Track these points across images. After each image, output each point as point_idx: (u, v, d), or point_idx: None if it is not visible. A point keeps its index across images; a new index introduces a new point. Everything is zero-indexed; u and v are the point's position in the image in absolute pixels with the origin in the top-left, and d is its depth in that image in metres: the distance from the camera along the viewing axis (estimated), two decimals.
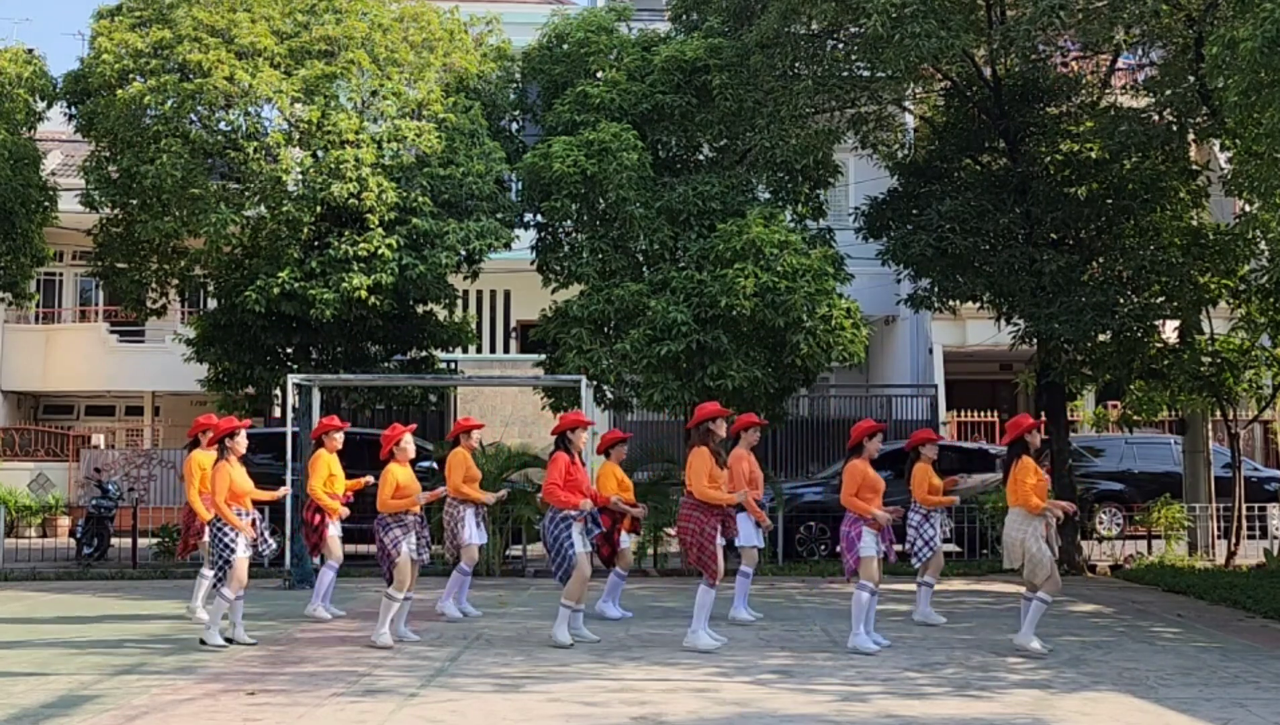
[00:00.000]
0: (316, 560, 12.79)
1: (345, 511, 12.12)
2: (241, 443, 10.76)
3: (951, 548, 17.18)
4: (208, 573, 11.32)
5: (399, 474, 10.39)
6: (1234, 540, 17.63)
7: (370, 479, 11.71)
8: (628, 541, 11.75)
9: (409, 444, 10.68)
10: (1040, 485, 10.12)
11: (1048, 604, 10.15)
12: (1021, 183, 17.32)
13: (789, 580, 16.15)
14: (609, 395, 17.91)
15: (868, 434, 10.32)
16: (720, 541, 10.34)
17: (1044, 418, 16.59)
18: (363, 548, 16.63)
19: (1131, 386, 18.21)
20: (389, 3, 17.75)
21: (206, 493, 11.26)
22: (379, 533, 10.29)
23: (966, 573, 16.82)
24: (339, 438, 12.08)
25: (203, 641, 10.37)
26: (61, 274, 28.74)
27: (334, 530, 12.00)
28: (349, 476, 12.41)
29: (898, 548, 10.79)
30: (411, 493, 10.38)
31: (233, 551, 10.37)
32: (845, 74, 17.19)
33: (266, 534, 11.21)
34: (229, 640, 10.47)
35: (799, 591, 14.77)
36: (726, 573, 11.56)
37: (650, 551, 16.92)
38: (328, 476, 11.95)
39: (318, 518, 11.87)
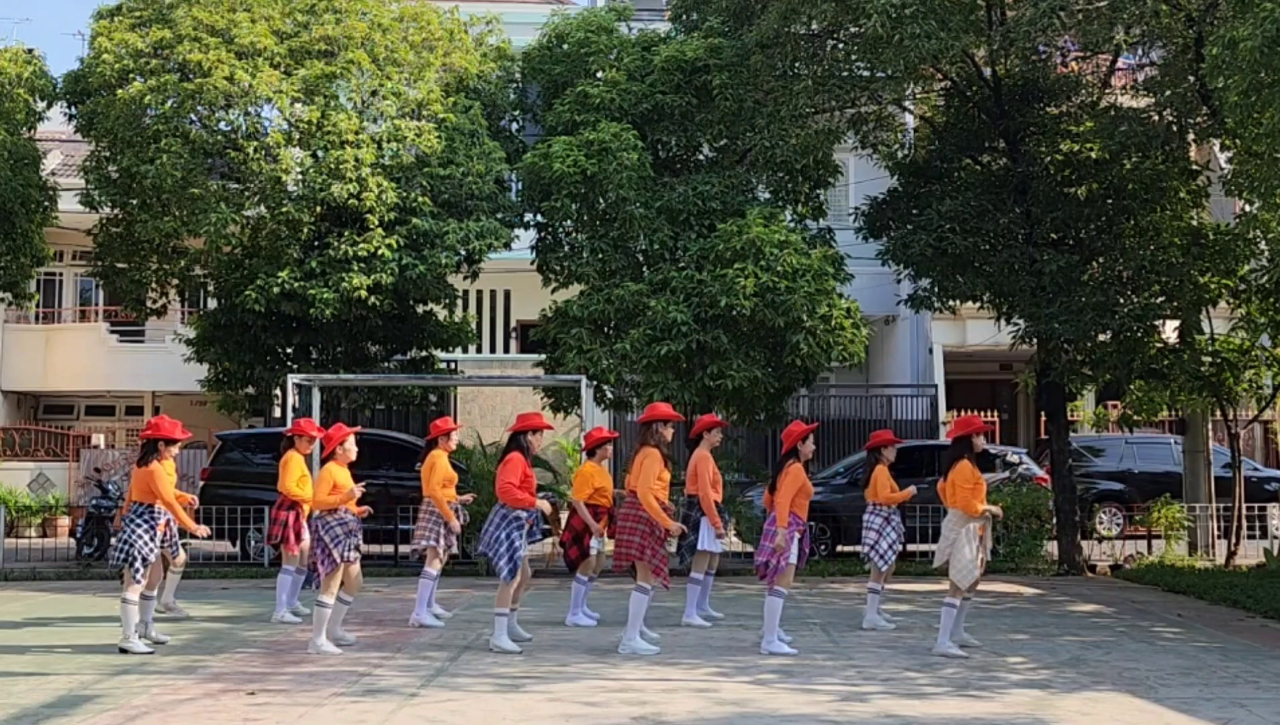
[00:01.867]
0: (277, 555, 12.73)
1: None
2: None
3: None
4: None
5: (337, 473, 10.20)
6: (1234, 540, 17.62)
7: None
8: (597, 546, 11.52)
9: (351, 446, 10.47)
10: (979, 488, 9.98)
11: (956, 609, 10.08)
12: (1021, 183, 17.31)
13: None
14: (609, 395, 17.90)
15: (800, 437, 10.17)
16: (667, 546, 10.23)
17: (1044, 417, 16.58)
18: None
19: (1131, 386, 18.20)
20: (389, 3, 17.77)
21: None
22: (319, 531, 10.06)
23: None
24: (308, 442, 11.83)
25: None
26: (61, 274, 28.72)
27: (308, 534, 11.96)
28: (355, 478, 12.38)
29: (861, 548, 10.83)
30: (347, 492, 10.16)
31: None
32: (845, 74, 17.19)
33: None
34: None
35: (799, 591, 14.76)
36: (675, 573, 11.58)
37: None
38: (300, 477, 11.81)
39: (292, 516, 11.77)
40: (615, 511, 10.99)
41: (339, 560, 9.93)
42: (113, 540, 10.91)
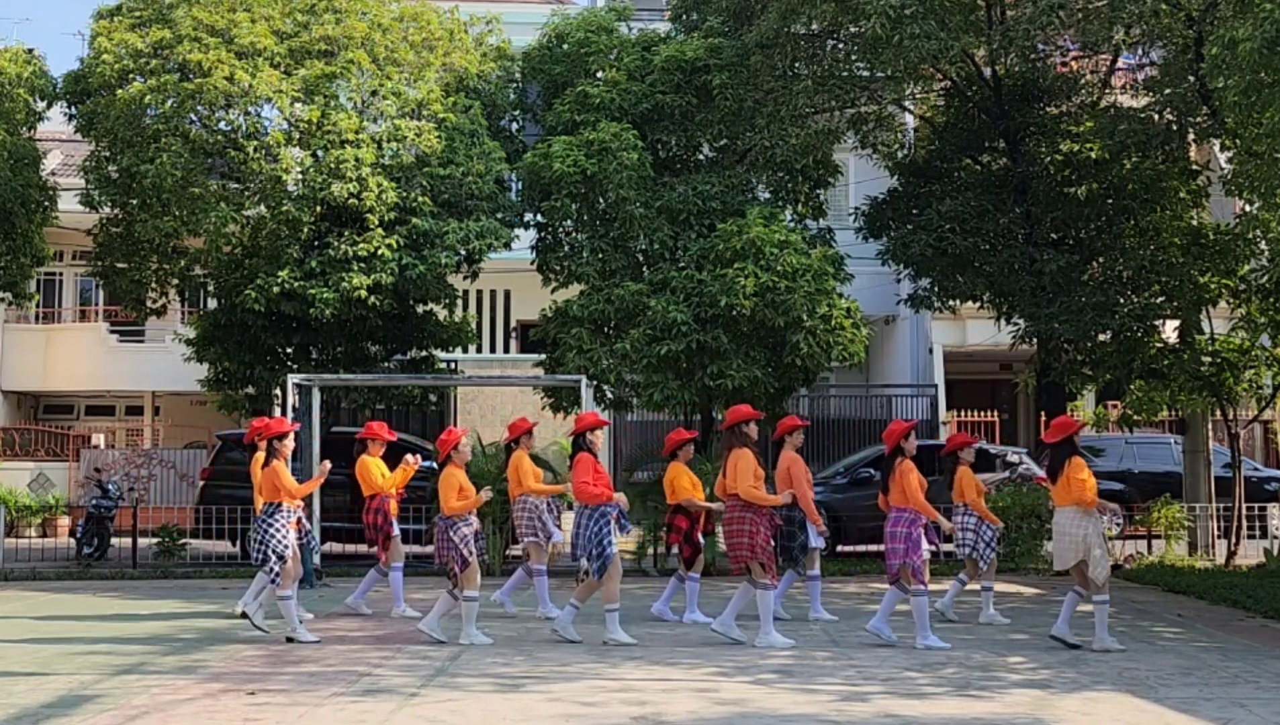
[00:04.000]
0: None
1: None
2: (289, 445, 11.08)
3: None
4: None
5: (461, 477, 10.55)
6: (1234, 540, 17.61)
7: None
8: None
9: (289, 442, 10.91)
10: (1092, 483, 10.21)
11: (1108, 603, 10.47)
12: (1021, 183, 17.32)
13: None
14: (609, 395, 17.91)
15: (903, 435, 10.57)
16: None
17: (1044, 417, 16.59)
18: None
19: (1131, 386, 18.20)
20: (389, 3, 17.75)
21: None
22: (448, 533, 10.35)
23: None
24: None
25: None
26: (61, 274, 28.72)
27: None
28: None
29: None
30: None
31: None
32: (845, 74, 17.20)
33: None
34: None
35: (799, 591, 14.72)
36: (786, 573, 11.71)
37: (650, 552, 16.91)
38: (383, 475, 12.36)
39: (381, 517, 12.21)
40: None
41: (470, 559, 10.30)
42: (251, 542, 11.11)
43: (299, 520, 10.96)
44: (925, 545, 10.32)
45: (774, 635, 10.25)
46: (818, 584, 12.08)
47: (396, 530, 12.32)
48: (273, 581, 10.65)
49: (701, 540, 11.71)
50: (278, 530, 10.59)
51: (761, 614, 10.28)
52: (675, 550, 12.26)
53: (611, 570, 10.27)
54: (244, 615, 11.36)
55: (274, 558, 10.54)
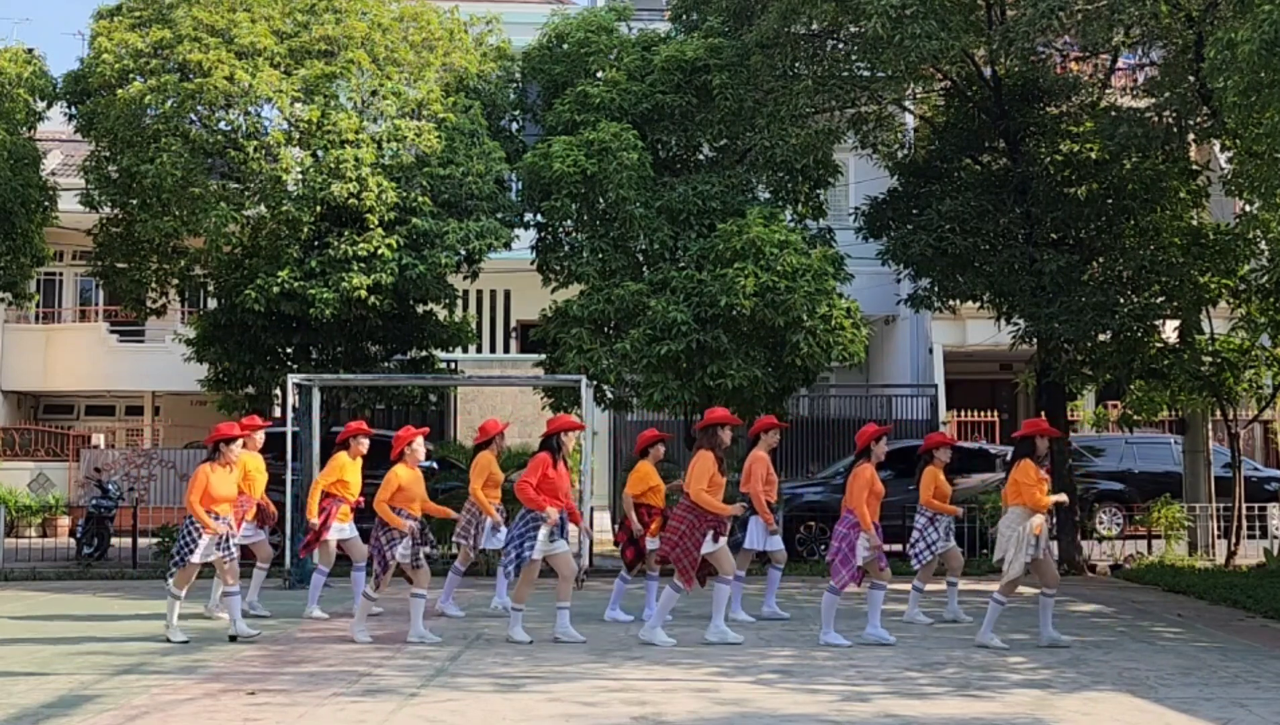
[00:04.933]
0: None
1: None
2: (236, 449, 11.10)
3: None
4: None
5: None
6: (1234, 540, 17.63)
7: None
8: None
9: (235, 448, 11.01)
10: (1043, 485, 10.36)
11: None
12: (1021, 183, 17.32)
13: (790, 580, 16.07)
14: (609, 395, 17.91)
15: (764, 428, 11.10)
16: (712, 545, 10.38)
17: (1044, 417, 16.58)
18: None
19: (1131, 386, 18.21)
20: (389, 3, 17.75)
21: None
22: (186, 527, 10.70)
23: (966, 573, 16.78)
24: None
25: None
26: (61, 274, 28.72)
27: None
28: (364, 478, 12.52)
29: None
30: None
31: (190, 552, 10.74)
32: (845, 74, 17.20)
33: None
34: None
35: (799, 591, 14.76)
36: (753, 571, 11.70)
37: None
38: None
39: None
40: (669, 512, 11.17)
41: (389, 562, 10.54)
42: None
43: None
44: (862, 552, 10.34)
45: (659, 632, 10.46)
46: (740, 586, 11.85)
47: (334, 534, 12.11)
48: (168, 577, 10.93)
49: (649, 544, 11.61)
50: (186, 533, 10.72)
51: (659, 609, 10.54)
52: (618, 548, 12.25)
53: (526, 574, 10.38)
54: (243, 616, 11.37)
55: (174, 559, 10.84)
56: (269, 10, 16.70)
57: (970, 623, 11.69)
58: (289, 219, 16.13)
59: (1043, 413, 17.37)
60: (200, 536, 10.64)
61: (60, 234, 21.85)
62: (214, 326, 18.09)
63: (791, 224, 17.58)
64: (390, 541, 10.41)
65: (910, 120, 20.69)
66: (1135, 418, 18.70)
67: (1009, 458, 11.00)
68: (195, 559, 10.69)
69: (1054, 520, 12.31)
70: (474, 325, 23.22)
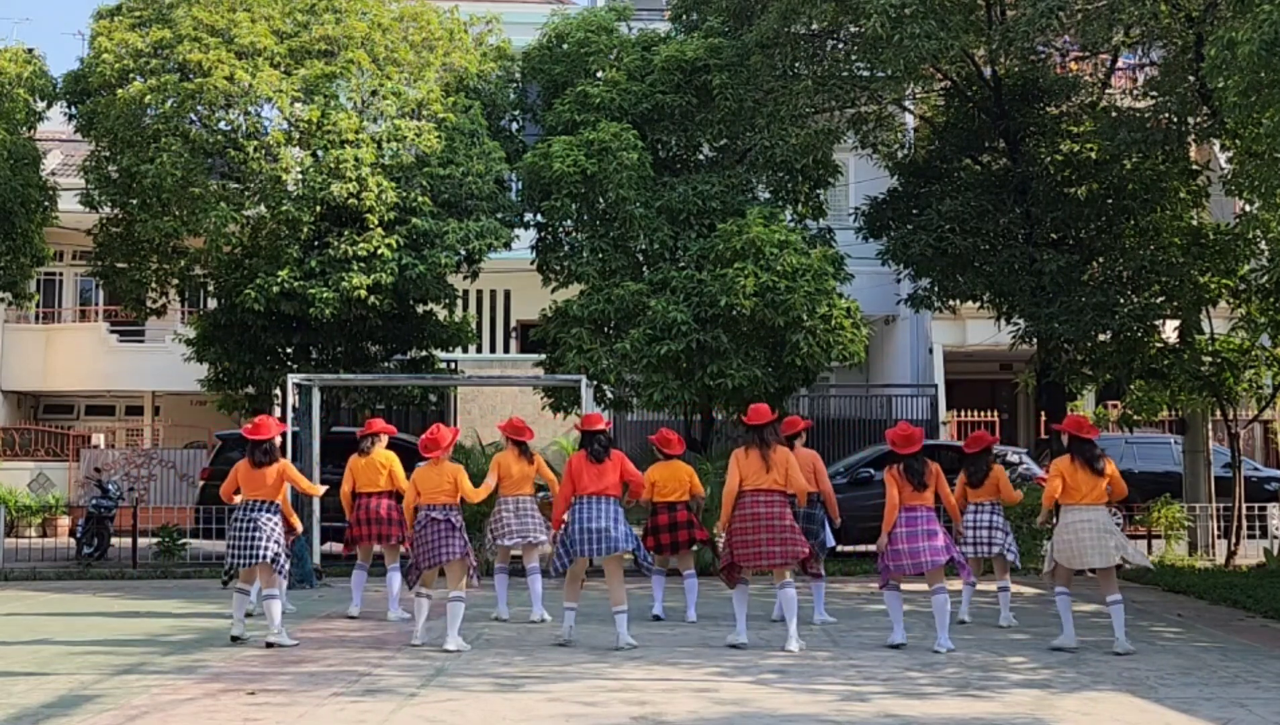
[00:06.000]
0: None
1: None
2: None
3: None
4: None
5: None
6: (1234, 540, 17.62)
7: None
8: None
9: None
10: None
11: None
12: (1021, 183, 17.32)
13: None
14: (609, 395, 17.91)
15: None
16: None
17: (1044, 417, 16.60)
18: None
19: (1131, 386, 18.21)
20: (389, 3, 17.76)
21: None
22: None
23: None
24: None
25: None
26: (61, 274, 28.72)
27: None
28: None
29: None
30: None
31: None
32: (845, 74, 17.21)
33: None
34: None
35: (799, 591, 14.73)
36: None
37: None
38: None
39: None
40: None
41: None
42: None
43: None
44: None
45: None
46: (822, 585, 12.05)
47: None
48: None
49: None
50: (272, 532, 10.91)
51: (789, 611, 10.62)
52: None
53: (571, 571, 10.44)
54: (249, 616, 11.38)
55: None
56: (269, 10, 16.70)
57: (969, 623, 11.70)
58: (289, 219, 16.13)
59: (1043, 413, 17.41)
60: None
61: (60, 234, 21.85)
62: (214, 326, 18.08)
63: (791, 224, 17.59)
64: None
65: (910, 120, 20.70)
66: (1135, 418, 18.70)
67: (1065, 451, 10.89)
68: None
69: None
70: (474, 325, 23.22)
